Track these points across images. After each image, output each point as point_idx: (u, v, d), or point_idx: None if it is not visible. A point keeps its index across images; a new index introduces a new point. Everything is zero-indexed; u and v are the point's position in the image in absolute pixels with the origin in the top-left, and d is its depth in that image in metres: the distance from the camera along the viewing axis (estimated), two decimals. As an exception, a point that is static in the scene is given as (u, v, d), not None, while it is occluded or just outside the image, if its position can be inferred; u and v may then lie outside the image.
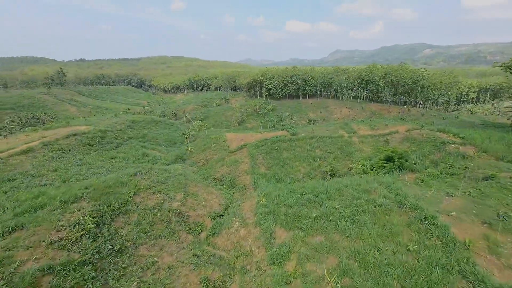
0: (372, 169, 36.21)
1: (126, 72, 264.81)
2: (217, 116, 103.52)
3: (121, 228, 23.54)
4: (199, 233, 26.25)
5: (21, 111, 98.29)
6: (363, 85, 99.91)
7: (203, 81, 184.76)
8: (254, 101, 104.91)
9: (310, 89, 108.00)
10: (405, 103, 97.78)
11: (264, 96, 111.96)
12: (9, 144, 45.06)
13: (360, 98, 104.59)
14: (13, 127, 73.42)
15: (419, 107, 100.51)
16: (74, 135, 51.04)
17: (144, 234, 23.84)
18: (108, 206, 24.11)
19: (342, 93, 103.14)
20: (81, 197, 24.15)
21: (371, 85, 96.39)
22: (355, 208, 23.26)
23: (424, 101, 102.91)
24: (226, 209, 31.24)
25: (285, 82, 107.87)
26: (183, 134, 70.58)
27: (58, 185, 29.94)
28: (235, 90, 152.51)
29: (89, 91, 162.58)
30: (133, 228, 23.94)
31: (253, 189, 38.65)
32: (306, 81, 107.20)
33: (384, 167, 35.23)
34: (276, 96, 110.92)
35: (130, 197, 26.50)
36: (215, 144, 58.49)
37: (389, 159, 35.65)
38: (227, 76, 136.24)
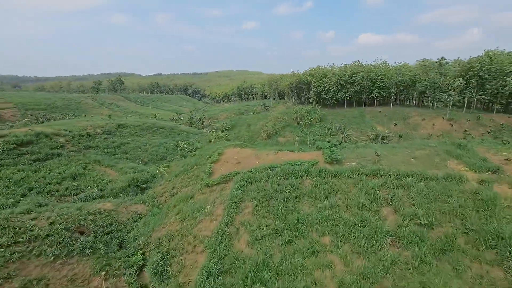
0: None
1: (183, 82, 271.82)
2: (246, 125, 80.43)
3: None
4: None
5: (53, 111, 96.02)
6: (477, 83, 61.47)
7: (250, 89, 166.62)
8: (296, 108, 77.87)
9: (379, 93, 74.69)
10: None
11: (312, 102, 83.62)
12: None
13: (470, 106, 65.76)
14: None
15: None
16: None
17: None
18: None
19: (434, 98, 66.65)
20: None
21: (492, 82, 57.80)
22: None
23: None
24: None
25: (342, 83, 77.62)
26: (176, 146, 49.20)
27: None
28: (282, 98, 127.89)
29: (139, 97, 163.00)
30: None
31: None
32: (374, 81, 74.60)
33: None
34: (328, 102, 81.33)
35: None
36: (197, 166, 34.55)
37: None
38: (269, 79, 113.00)
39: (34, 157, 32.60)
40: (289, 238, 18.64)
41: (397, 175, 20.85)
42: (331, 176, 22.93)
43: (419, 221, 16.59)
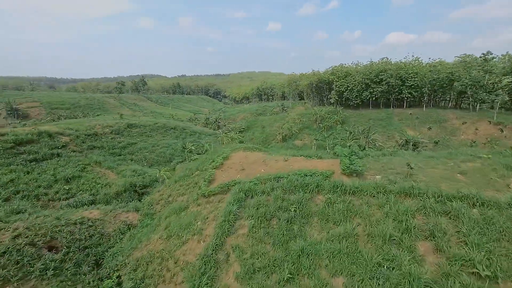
0: None
1: (205, 83, 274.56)
2: (262, 127, 76.44)
3: None
4: None
5: (76, 111, 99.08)
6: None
7: (269, 90, 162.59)
8: (316, 109, 72.40)
9: (410, 93, 66.96)
10: None
11: (333, 102, 77.56)
12: None
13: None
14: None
15: None
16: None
17: None
18: None
19: (477, 99, 58.00)
20: None
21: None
22: None
23: None
24: None
25: (367, 82, 70.87)
26: (183, 148, 46.47)
27: None
28: (302, 98, 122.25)
29: (160, 98, 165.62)
30: None
31: None
32: (405, 79, 67.03)
33: None
34: (351, 103, 74.83)
35: None
36: (198, 172, 31.34)
37: None
38: (289, 79, 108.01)
39: (31, 157, 31.26)
40: (290, 275, 14.32)
41: (438, 197, 15.66)
42: (349, 193, 18.21)
43: (475, 270, 11.49)
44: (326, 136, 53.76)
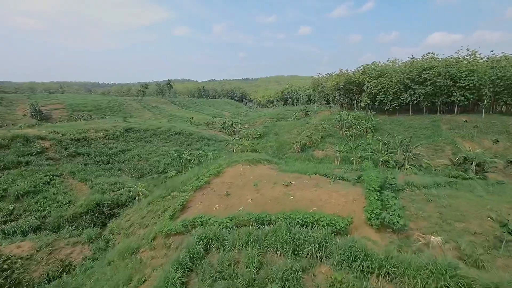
0: None
1: (231, 87, 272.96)
2: (280, 133, 68.08)
3: None
4: None
5: (97, 113, 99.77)
6: None
7: (295, 93, 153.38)
8: (342, 114, 62.21)
9: (464, 95, 53.93)
10: None
11: (364, 107, 66.59)
12: None
13: None
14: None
15: None
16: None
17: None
18: None
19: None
20: None
21: None
22: None
23: None
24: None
25: (406, 82, 59.06)
26: (179, 157, 40.07)
27: None
28: (328, 102, 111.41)
29: (183, 101, 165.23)
30: None
31: None
32: (456, 78, 54.24)
33: None
34: (386, 108, 63.28)
35: None
36: (176, 194, 24.36)
37: None
38: (314, 81, 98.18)
39: (-11, 165, 26.91)
40: None
41: None
42: (377, 275, 9.54)
43: None
44: (353, 147, 43.80)
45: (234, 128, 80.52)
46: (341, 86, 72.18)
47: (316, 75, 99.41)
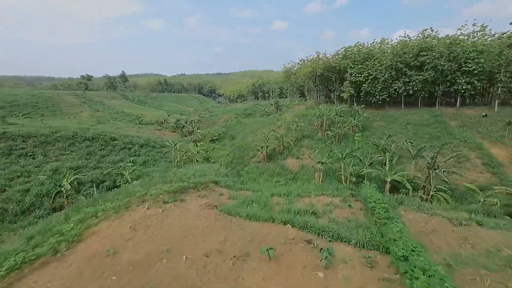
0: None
1: (199, 82, 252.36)
2: (244, 133, 52.87)
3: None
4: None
5: (10, 110, 76.91)
6: None
7: (266, 86, 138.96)
8: (322, 108, 48.47)
9: (470, 83, 42.72)
10: None
11: (346, 99, 53.59)
12: None
13: None
14: None
15: None
16: None
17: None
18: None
19: None
20: None
21: None
22: None
23: None
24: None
25: (400, 66, 46.76)
26: (56, 185, 23.01)
27: None
28: (303, 96, 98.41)
29: (138, 95, 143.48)
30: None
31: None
32: (462, 61, 42.81)
33: None
34: (374, 100, 50.74)
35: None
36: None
37: None
38: (285, 71, 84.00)
39: None
40: None
41: None
42: None
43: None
44: (341, 156, 29.81)
45: (188, 127, 63.87)
46: (318, 75, 58.40)
47: (287, 64, 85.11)
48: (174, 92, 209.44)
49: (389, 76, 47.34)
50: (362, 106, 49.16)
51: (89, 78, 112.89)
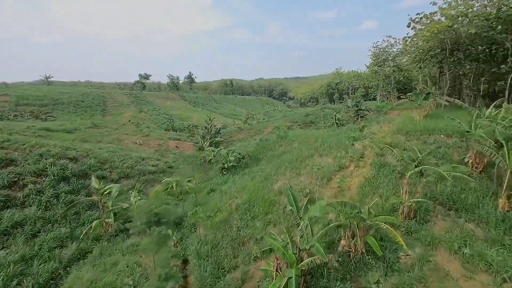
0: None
1: (269, 83, 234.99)
2: (273, 163, 25.82)
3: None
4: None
5: (55, 108, 73.13)
6: None
7: (346, 84, 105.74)
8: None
9: None
10: None
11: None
12: None
13: None
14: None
15: None
16: None
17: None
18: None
19: None
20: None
21: None
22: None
23: None
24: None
25: None
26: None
27: None
28: (403, 93, 62.83)
29: (197, 96, 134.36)
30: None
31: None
32: None
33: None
34: None
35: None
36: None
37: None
38: (374, 54, 51.21)
39: None
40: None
41: None
42: None
43: None
44: None
45: (200, 141, 41.24)
46: (467, 41, 25.26)
47: (374, 45, 51.69)
48: (242, 95, 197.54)
49: None
50: None
51: (146, 77, 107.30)
